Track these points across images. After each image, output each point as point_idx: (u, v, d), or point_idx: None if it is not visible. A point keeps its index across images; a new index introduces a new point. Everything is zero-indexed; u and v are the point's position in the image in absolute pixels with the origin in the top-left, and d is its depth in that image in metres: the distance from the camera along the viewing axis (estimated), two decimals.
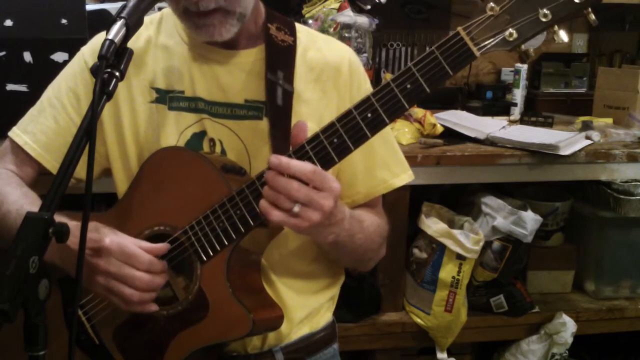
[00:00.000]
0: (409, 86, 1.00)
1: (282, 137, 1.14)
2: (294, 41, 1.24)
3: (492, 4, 0.97)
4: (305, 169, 0.99)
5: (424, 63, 0.99)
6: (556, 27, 0.98)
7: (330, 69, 1.24)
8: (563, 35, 0.99)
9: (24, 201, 1.16)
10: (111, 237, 1.07)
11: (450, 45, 0.98)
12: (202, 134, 1.22)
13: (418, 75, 0.99)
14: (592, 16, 0.97)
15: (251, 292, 1.17)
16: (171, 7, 1.16)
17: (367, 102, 1.01)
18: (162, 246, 1.11)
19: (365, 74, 1.30)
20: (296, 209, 0.99)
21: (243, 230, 1.09)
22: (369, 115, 1.01)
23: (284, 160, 0.99)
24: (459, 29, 0.98)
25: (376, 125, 1.02)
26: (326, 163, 1.03)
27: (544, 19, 0.96)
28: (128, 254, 1.06)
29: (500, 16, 0.97)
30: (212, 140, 1.22)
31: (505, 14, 0.97)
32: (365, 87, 1.28)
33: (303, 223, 1.00)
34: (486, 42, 0.98)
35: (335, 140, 1.02)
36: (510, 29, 0.97)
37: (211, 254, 1.11)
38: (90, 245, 1.05)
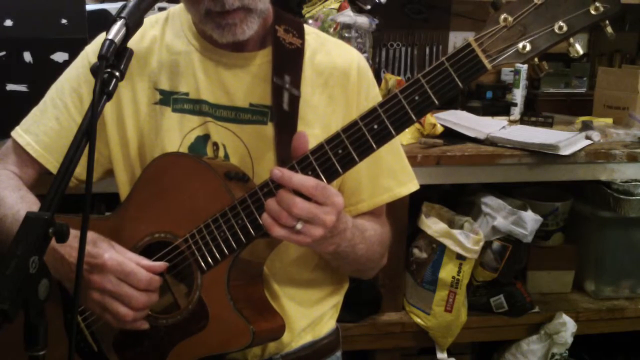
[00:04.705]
0: (417, 98, 0.97)
1: (287, 143, 1.11)
2: (302, 44, 1.20)
3: (505, 14, 0.93)
4: (307, 184, 0.97)
5: (433, 75, 0.96)
6: (572, 40, 0.94)
7: (338, 73, 1.21)
8: (579, 48, 0.95)
9: (20, 205, 1.15)
10: (110, 254, 1.05)
11: (460, 57, 0.94)
12: (205, 137, 1.20)
13: (427, 87, 0.96)
14: (609, 29, 0.92)
15: (252, 302, 1.15)
16: (191, 11, 1.14)
17: (373, 113, 0.99)
18: (161, 264, 1.09)
19: (374, 80, 1.28)
20: (299, 226, 0.98)
21: (245, 240, 1.07)
22: (375, 126, 0.98)
23: (286, 173, 0.97)
24: (470, 39, 0.95)
25: (383, 137, 0.99)
26: (330, 175, 1.01)
27: (559, 32, 0.92)
28: (127, 272, 1.04)
29: (514, 27, 0.93)
30: (215, 144, 1.20)
31: (519, 26, 0.93)
32: (373, 94, 1.25)
33: (306, 239, 0.99)
34: (498, 54, 0.93)
35: (340, 151, 1.00)
36: (524, 41, 0.93)
37: (212, 263, 1.09)
38: (87, 260, 1.03)
